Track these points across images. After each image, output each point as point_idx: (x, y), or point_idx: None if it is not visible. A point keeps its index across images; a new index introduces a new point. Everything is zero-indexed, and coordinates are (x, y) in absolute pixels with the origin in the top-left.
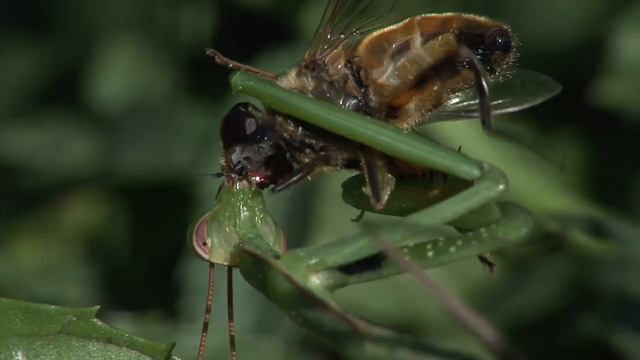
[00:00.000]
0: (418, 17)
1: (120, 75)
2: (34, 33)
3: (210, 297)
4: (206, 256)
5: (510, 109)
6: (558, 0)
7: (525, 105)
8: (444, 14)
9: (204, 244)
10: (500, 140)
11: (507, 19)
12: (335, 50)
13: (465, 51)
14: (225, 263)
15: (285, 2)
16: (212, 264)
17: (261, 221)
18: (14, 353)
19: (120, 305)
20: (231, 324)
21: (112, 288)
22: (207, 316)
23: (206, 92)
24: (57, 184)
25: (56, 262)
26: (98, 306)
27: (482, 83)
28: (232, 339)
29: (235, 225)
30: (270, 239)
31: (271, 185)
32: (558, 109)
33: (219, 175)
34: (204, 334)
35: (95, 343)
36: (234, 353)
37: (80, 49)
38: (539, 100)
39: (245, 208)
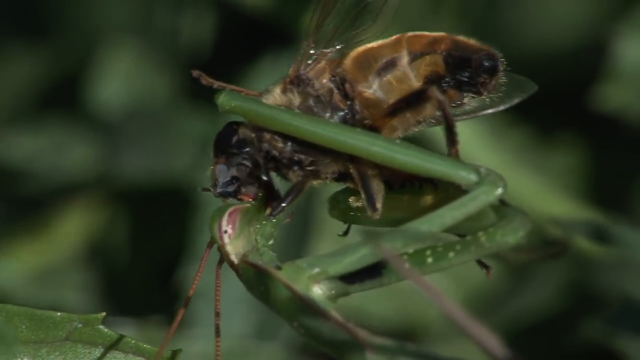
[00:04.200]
0: (407, 35)
1: (120, 80)
2: (34, 38)
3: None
4: (226, 241)
5: (487, 111)
6: (558, 5)
7: (501, 107)
8: (434, 34)
9: (226, 231)
10: None
11: (507, 24)
12: (319, 65)
13: (434, 93)
14: (233, 258)
15: (285, 6)
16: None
17: (274, 239)
18: None
19: (120, 310)
20: (217, 320)
21: (112, 293)
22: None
23: (206, 97)
24: (56, 188)
25: (56, 266)
26: (104, 313)
27: (448, 122)
28: (217, 329)
29: (257, 231)
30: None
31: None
32: (558, 114)
33: (207, 189)
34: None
35: (101, 350)
36: (218, 353)
37: (79, 54)
38: (514, 102)
39: (272, 223)
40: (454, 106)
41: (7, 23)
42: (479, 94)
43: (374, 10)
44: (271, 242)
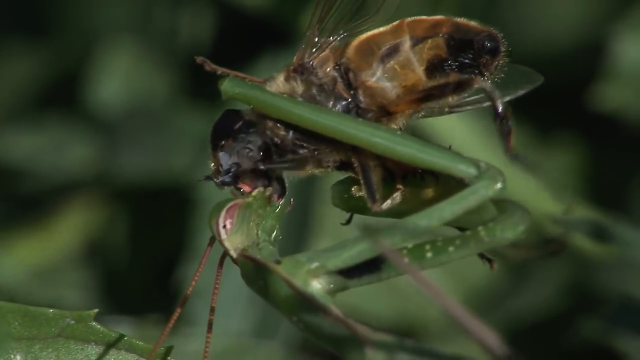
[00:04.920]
0: (408, 20)
1: (119, 78)
2: (33, 37)
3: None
4: (224, 236)
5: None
6: (557, 4)
7: (507, 98)
8: (434, 17)
9: (225, 226)
10: (517, 165)
11: (506, 24)
12: (323, 53)
13: (486, 85)
14: (232, 253)
15: (284, 5)
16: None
17: (276, 234)
18: (12, 357)
19: (119, 309)
20: (211, 316)
21: (111, 291)
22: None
23: (205, 96)
24: (56, 187)
25: (55, 265)
26: (96, 309)
27: (498, 110)
28: (210, 325)
29: (258, 225)
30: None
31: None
32: (557, 113)
33: (207, 178)
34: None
35: (94, 346)
36: (207, 354)
37: (79, 53)
38: (520, 92)
39: (273, 216)
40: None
41: (7, 22)
42: (482, 75)
43: (377, 1)
44: (274, 234)
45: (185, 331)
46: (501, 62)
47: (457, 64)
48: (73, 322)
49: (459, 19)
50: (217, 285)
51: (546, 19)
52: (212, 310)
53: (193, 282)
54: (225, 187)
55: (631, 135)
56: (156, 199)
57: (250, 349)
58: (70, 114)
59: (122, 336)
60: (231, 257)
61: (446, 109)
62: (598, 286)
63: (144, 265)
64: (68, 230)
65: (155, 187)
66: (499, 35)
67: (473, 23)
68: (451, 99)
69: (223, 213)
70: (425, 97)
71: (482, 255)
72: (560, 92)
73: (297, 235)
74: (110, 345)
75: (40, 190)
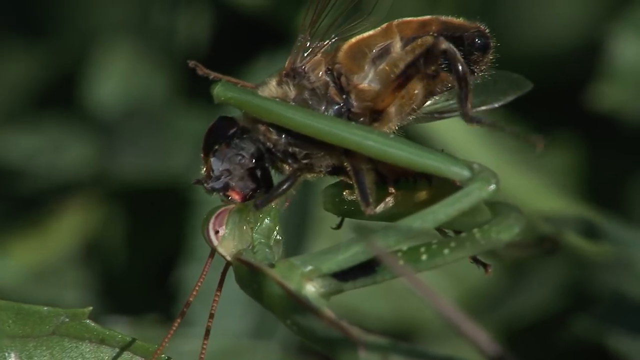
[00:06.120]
0: (396, 22)
1: (117, 79)
2: (31, 37)
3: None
4: (215, 242)
5: (482, 108)
6: (555, 4)
7: (497, 104)
8: (421, 17)
9: (217, 232)
10: (479, 127)
11: (504, 23)
12: (315, 57)
13: (442, 43)
14: (228, 258)
15: (281, 6)
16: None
17: (275, 236)
18: (6, 354)
19: (117, 309)
20: (210, 322)
21: (109, 292)
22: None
23: (202, 96)
24: (54, 187)
25: (53, 265)
26: (90, 307)
27: (459, 71)
28: (208, 331)
29: (252, 229)
30: (276, 253)
31: (255, 201)
32: (555, 113)
33: (198, 182)
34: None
35: (88, 344)
36: (203, 354)
37: (76, 53)
38: (509, 99)
39: (269, 218)
40: (445, 90)
41: (4, 22)
42: (471, 72)
43: (369, 5)
44: (273, 235)
45: (183, 331)
46: (491, 59)
47: (447, 62)
48: (67, 320)
49: (446, 17)
50: (218, 291)
51: (544, 19)
52: (212, 316)
53: (195, 290)
54: (214, 194)
55: (628, 135)
56: (154, 200)
57: (248, 350)
58: (68, 115)
59: (116, 334)
60: (228, 262)
61: (435, 115)
62: (594, 286)
63: (141, 266)
64: (66, 231)
65: (153, 188)
66: (487, 31)
67: (460, 20)
68: (439, 105)
69: (213, 220)
70: (404, 79)
71: (476, 260)
72: (557, 91)
73: (295, 237)
74: (104, 343)
75: (38, 191)
